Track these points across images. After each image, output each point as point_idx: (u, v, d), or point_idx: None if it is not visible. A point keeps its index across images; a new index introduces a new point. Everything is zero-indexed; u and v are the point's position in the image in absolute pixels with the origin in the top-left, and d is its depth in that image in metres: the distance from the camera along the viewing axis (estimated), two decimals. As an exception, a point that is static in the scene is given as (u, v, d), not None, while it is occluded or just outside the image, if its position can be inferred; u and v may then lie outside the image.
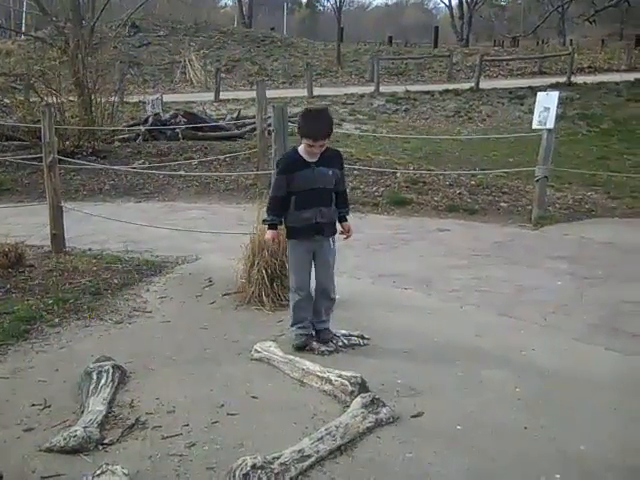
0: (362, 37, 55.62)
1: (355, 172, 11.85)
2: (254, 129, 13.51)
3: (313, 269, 4.86)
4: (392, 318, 5.54)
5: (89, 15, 16.31)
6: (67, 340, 5.02)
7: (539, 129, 9.48)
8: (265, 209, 4.81)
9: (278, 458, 3.23)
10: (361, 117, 20.76)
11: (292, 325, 4.88)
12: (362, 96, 23.04)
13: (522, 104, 21.41)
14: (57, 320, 5.38)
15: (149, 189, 11.97)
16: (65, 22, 15.90)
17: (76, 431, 3.48)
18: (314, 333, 4.89)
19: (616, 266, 7.29)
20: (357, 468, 3.32)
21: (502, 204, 10.59)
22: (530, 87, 21.99)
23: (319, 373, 4.22)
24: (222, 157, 12.73)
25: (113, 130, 14.61)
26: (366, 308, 5.78)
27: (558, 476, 3.27)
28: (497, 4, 61.13)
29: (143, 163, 12.91)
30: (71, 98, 14.20)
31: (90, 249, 7.72)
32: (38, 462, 3.35)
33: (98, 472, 3.11)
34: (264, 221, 4.82)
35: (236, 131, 16.37)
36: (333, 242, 4.82)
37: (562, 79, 23.65)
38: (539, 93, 9.74)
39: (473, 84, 23.65)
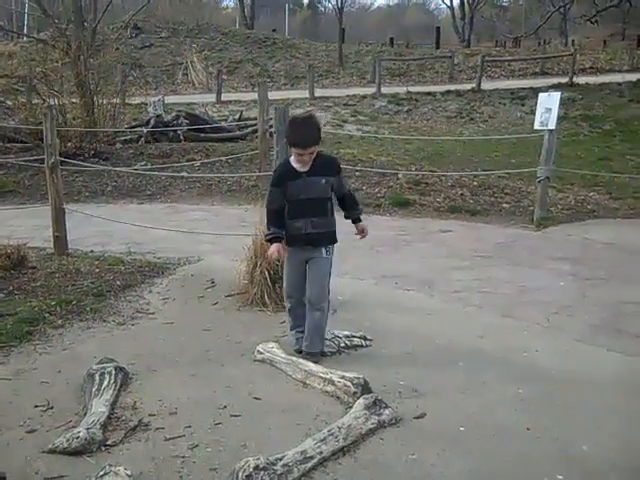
0: (364, 38, 55.56)
1: (357, 173, 11.86)
2: (256, 130, 13.48)
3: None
4: (394, 319, 5.54)
5: (91, 17, 16.33)
6: (70, 342, 5.03)
7: (541, 130, 9.49)
8: (267, 220, 4.74)
9: (281, 459, 3.24)
10: (363, 118, 20.76)
11: (291, 329, 4.87)
12: (364, 97, 23.04)
13: (524, 105, 21.41)
14: (60, 322, 5.38)
15: (151, 190, 11.98)
16: (67, 24, 15.89)
17: (79, 432, 3.48)
18: None
19: (618, 267, 7.29)
20: (360, 469, 3.33)
21: (504, 205, 10.59)
22: (532, 88, 21.98)
23: (322, 374, 4.23)
24: (224, 158, 12.75)
25: (115, 132, 14.63)
26: (368, 309, 5.78)
27: (561, 477, 3.27)
28: (498, 5, 61.12)
29: (145, 164, 12.92)
30: (73, 100, 14.21)
31: (92, 251, 7.73)
32: (41, 463, 3.35)
33: (101, 473, 3.11)
34: (266, 236, 4.71)
35: (238, 132, 16.38)
36: (327, 252, 4.67)
37: (564, 80, 23.65)
38: (541, 94, 9.75)
39: (475, 85, 23.65)
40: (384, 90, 23.74)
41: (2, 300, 5.82)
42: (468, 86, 24.00)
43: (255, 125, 14.23)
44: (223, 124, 16.96)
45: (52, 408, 3.94)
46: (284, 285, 4.85)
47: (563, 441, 3.59)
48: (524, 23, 57.31)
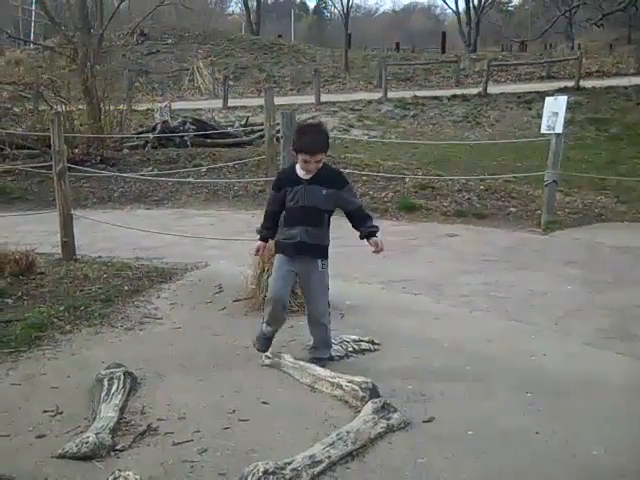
0: (370, 43, 55.60)
1: (364, 178, 11.88)
2: (262, 136, 13.54)
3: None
4: (402, 323, 5.54)
5: (97, 24, 16.44)
6: (78, 347, 5.03)
7: (548, 134, 9.48)
8: (263, 221, 4.75)
9: (290, 464, 3.23)
10: (369, 123, 20.78)
11: (259, 333, 4.73)
12: (370, 102, 23.05)
13: (530, 109, 21.39)
14: (68, 327, 5.39)
15: (158, 196, 12.02)
16: (74, 31, 15.99)
17: (88, 437, 3.49)
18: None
19: (626, 270, 7.27)
20: (368, 473, 3.32)
21: (511, 209, 10.58)
22: (538, 92, 21.96)
23: (330, 379, 4.22)
24: (231, 164, 12.78)
25: (122, 138, 14.68)
26: (376, 314, 5.78)
27: (570, 481, 3.26)
28: (504, 9, 61.10)
29: (152, 170, 12.96)
30: (80, 106, 14.27)
31: (100, 256, 7.75)
32: (51, 469, 3.35)
33: (110, 478, 3.12)
34: (257, 231, 4.79)
35: (244, 138, 16.42)
36: (323, 265, 4.65)
37: (570, 83, 23.60)
38: (547, 98, 9.76)
39: (481, 89, 23.63)
40: (390, 95, 23.75)
41: (11, 306, 5.83)
42: (474, 90, 23.99)
43: (262, 130, 14.29)
44: (230, 130, 16.99)
45: (61, 413, 3.94)
46: (270, 290, 4.65)
47: (572, 445, 3.58)
48: (530, 27, 57.31)
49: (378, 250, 4.74)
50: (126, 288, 6.39)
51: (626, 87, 22.86)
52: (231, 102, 23.72)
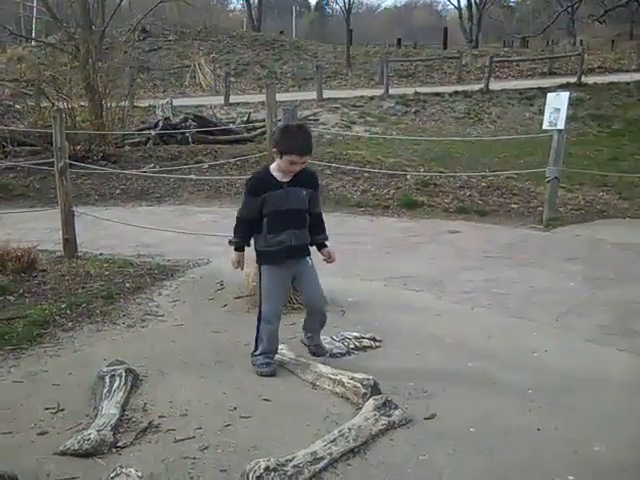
0: (371, 39, 55.57)
1: (366, 175, 11.88)
2: (264, 132, 13.53)
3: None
4: (404, 320, 5.54)
5: (99, 20, 16.43)
6: (80, 344, 5.04)
7: (549, 130, 9.47)
8: (234, 229, 4.54)
9: (291, 460, 3.24)
10: (371, 119, 20.76)
11: (260, 354, 4.52)
12: (372, 98, 23.04)
13: (532, 105, 21.37)
14: (70, 324, 5.39)
15: (160, 193, 12.01)
16: (75, 27, 15.97)
17: (90, 434, 3.49)
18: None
19: (628, 267, 7.27)
20: (370, 470, 3.32)
21: (513, 205, 10.57)
22: (540, 88, 21.92)
23: (331, 375, 4.23)
24: (232, 160, 12.78)
25: (124, 134, 14.68)
26: (378, 310, 5.78)
27: (572, 477, 3.26)
28: (506, 5, 61.00)
29: (154, 167, 12.95)
30: (82, 103, 14.26)
31: (102, 253, 7.75)
32: (52, 465, 3.36)
33: (112, 475, 3.12)
34: (230, 242, 4.57)
35: (246, 134, 16.42)
36: (310, 260, 4.57)
37: (572, 80, 23.58)
38: (549, 94, 9.73)
39: (483, 85, 23.60)
40: (392, 91, 23.72)
41: (13, 303, 5.84)
42: (476, 87, 23.96)
43: (263, 127, 14.26)
44: (231, 126, 17.00)
45: (63, 410, 3.95)
46: (265, 307, 4.49)
47: (574, 441, 3.58)
48: (532, 23, 57.22)
49: (331, 260, 4.66)
50: (128, 285, 6.39)
51: (628, 83, 22.84)
52: (233, 98, 23.71)
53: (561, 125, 9.24)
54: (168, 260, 7.45)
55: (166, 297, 6.16)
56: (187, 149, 14.43)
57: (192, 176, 12.28)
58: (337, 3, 46.99)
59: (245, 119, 18.07)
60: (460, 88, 24.00)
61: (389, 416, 3.72)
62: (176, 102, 19.28)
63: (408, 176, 11.78)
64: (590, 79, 23.73)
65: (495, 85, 23.89)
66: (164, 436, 3.64)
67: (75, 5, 16.38)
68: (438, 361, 4.68)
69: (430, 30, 67.64)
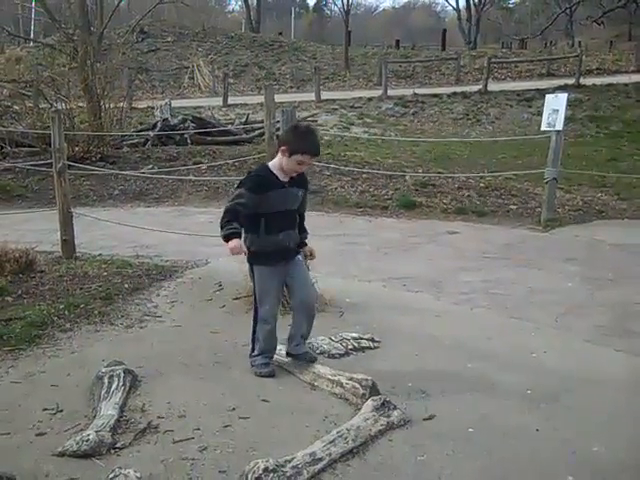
0: (370, 41, 55.57)
1: (364, 175, 11.88)
2: (262, 134, 13.54)
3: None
4: (402, 321, 5.53)
5: (98, 22, 16.41)
6: (78, 345, 5.03)
7: (548, 131, 9.48)
8: (220, 224, 4.20)
9: (290, 461, 3.23)
10: (369, 120, 20.77)
11: (258, 355, 4.48)
12: (370, 99, 23.06)
13: (530, 106, 21.38)
14: (68, 325, 5.38)
15: (158, 194, 12.01)
16: (74, 29, 15.96)
17: (88, 435, 3.49)
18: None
19: (626, 267, 7.27)
20: (369, 471, 3.32)
21: (511, 206, 10.58)
22: (538, 89, 21.96)
23: (330, 376, 4.22)
24: (231, 161, 12.77)
25: (122, 135, 14.67)
26: (376, 311, 5.78)
27: (571, 478, 3.26)
28: (505, 6, 61.02)
29: (152, 168, 12.95)
30: (80, 104, 14.26)
31: (100, 254, 7.74)
32: (51, 466, 3.35)
33: (111, 476, 3.12)
34: (226, 230, 4.16)
35: (244, 135, 16.42)
36: (302, 258, 4.56)
37: (571, 81, 23.60)
38: (547, 95, 9.75)
39: (481, 86, 23.62)
40: (390, 92, 23.74)
41: (11, 304, 5.83)
42: (474, 88, 23.97)
43: (262, 128, 14.26)
44: (230, 127, 17.00)
45: (61, 411, 3.94)
46: (262, 309, 4.41)
47: (573, 442, 3.58)
48: (530, 25, 57.29)
49: (313, 257, 4.63)
50: (126, 286, 6.38)
51: (626, 84, 22.87)
52: (231, 100, 23.73)
53: (559, 126, 9.25)
54: (166, 261, 7.44)
55: (164, 298, 6.16)
56: (185, 150, 14.43)
57: (190, 177, 12.28)
58: (336, 4, 46.95)
59: (243, 120, 18.08)
60: (458, 89, 24.02)
61: (388, 417, 3.72)
62: (174, 103, 19.28)
63: (407, 177, 11.78)
64: (588, 80, 23.76)
65: (493, 86, 23.91)
66: (163, 437, 3.63)
67: (73, 6, 16.39)
68: (437, 362, 4.68)
69: (429, 31, 67.73)
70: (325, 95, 23.76)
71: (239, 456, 3.42)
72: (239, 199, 4.18)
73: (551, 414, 3.89)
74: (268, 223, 4.26)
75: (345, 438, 3.49)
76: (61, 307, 5.68)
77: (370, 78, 29.32)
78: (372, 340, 5.01)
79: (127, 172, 12.21)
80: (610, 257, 7.77)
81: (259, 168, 4.45)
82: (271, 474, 3.10)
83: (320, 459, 3.31)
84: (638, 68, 27.16)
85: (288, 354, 4.57)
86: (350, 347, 4.88)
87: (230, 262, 7.02)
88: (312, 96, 23.54)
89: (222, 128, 16.43)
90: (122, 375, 4.18)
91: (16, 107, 15.19)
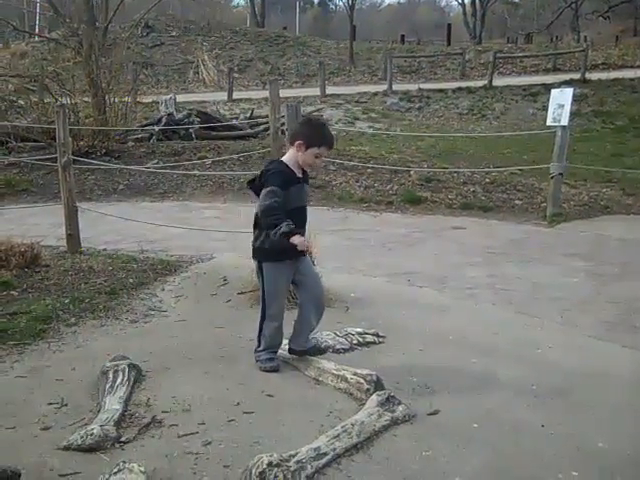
0: (375, 35, 55.53)
1: (369, 170, 11.87)
2: (267, 128, 13.53)
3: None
4: (407, 316, 5.53)
5: (102, 16, 16.36)
6: (83, 339, 5.04)
7: (553, 126, 9.46)
8: (271, 222, 4.04)
9: (294, 456, 3.23)
10: (374, 115, 20.75)
11: (263, 350, 4.45)
12: (375, 94, 23.03)
13: (536, 101, 21.34)
14: (73, 319, 5.39)
15: (163, 189, 12.01)
16: (79, 23, 15.95)
17: (93, 429, 3.49)
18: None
19: (632, 263, 7.26)
20: (373, 466, 3.32)
21: (517, 201, 10.56)
22: (544, 84, 21.90)
23: (334, 371, 4.22)
24: (236, 156, 12.76)
25: (127, 130, 14.66)
26: (381, 306, 5.78)
27: (576, 473, 3.25)
28: (510, 1, 60.86)
29: (157, 163, 12.95)
30: (85, 99, 14.27)
31: (105, 249, 7.75)
32: (56, 460, 3.36)
33: (115, 470, 3.12)
34: (282, 234, 3.99)
35: (249, 130, 16.40)
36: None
37: (576, 76, 23.52)
38: (553, 90, 9.73)
39: (486, 82, 23.58)
40: (395, 87, 23.71)
41: (16, 298, 5.84)
42: (480, 83, 23.93)
43: (266, 123, 14.27)
44: (234, 122, 16.98)
45: (66, 405, 3.95)
46: (271, 306, 4.36)
47: (578, 437, 3.57)
48: (536, 19, 57.13)
49: (310, 252, 4.62)
50: (131, 281, 6.39)
51: (632, 79, 22.79)
52: (236, 94, 23.71)
53: (565, 121, 9.23)
54: (171, 256, 7.44)
55: (169, 292, 6.16)
56: (190, 145, 14.41)
57: (195, 172, 12.28)
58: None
59: (248, 115, 18.07)
60: (464, 84, 23.98)
61: (392, 412, 3.71)
62: (179, 98, 19.25)
63: (412, 172, 11.76)
64: (594, 75, 23.69)
65: (499, 81, 23.86)
66: (167, 431, 3.63)
67: (78, 1, 16.36)
68: (441, 357, 4.67)
69: (434, 26, 67.60)
70: (330, 90, 23.73)
71: (243, 450, 3.41)
72: (275, 197, 4.04)
73: (556, 410, 3.88)
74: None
75: (349, 433, 3.48)
76: (66, 301, 5.69)
77: (375, 73, 29.29)
78: (377, 335, 5.01)
79: (132, 167, 12.20)
80: (615, 252, 7.75)
81: (277, 164, 4.29)
82: (275, 469, 3.10)
83: (324, 454, 3.31)
84: (644, 63, 27.07)
85: (293, 351, 4.52)
86: (355, 342, 4.88)
87: (235, 257, 7.05)
88: (317, 91, 23.51)
89: (227, 123, 16.42)
90: (127, 369, 4.19)
91: (21, 102, 15.19)
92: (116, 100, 14.31)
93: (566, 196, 10.44)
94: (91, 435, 3.45)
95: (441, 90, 23.23)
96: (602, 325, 5.38)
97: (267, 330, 4.43)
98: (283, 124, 6.40)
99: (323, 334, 4.86)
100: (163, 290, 6.23)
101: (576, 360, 4.64)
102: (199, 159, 13.09)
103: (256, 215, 4.28)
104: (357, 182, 11.63)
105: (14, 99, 15.53)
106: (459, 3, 56.69)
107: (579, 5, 42.86)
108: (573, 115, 11.19)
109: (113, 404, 3.82)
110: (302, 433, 3.58)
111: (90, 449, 3.41)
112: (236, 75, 27.32)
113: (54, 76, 14.69)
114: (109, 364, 4.26)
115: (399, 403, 3.79)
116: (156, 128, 15.23)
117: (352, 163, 11.97)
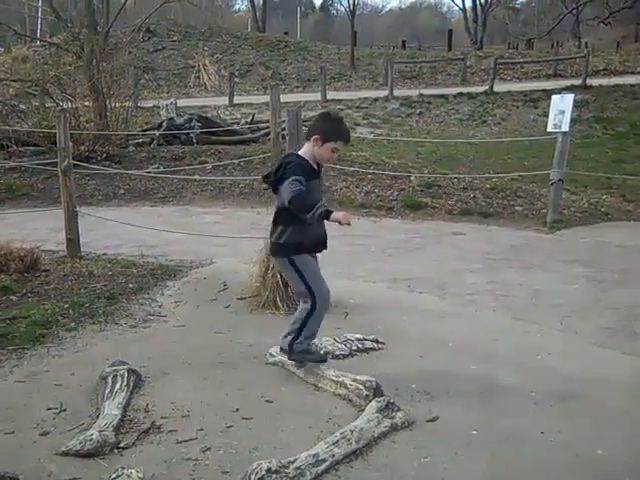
0: (376, 41, 55.61)
1: (369, 176, 11.86)
2: (268, 133, 13.53)
3: None
4: (407, 322, 5.53)
5: (104, 21, 16.38)
6: (83, 344, 5.04)
7: (554, 132, 9.46)
8: (305, 207, 3.93)
9: (293, 462, 3.23)
10: (375, 121, 20.76)
11: (305, 338, 4.35)
12: (376, 100, 23.05)
13: (537, 107, 21.35)
14: (73, 324, 5.39)
15: (163, 193, 12.01)
16: (80, 28, 15.97)
17: (92, 435, 3.49)
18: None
19: (632, 270, 7.25)
20: (372, 472, 3.31)
21: (517, 208, 10.56)
22: (545, 90, 21.92)
23: (334, 377, 4.22)
24: (236, 161, 12.76)
25: (127, 135, 14.66)
26: (381, 312, 5.77)
27: (575, 481, 3.25)
28: (511, 7, 60.93)
29: (157, 167, 12.95)
30: (86, 103, 14.26)
31: (105, 254, 7.75)
32: (54, 466, 3.36)
33: (114, 476, 3.12)
34: (321, 213, 3.89)
35: (250, 135, 16.40)
36: None
37: (577, 82, 23.55)
38: (554, 96, 9.72)
39: (487, 87, 23.60)
40: (396, 93, 23.72)
41: (15, 303, 5.84)
42: (481, 88, 23.95)
43: (267, 128, 14.26)
44: (235, 127, 16.99)
45: (65, 410, 3.94)
46: (320, 291, 4.25)
47: (577, 445, 3.57)
48: (537, 25, 57.20)
49: None
50: (131, 285, 6.39)
51: (633, 85, 22.82)
52: (237, 99, 23.74)
53: (565, 127, 9.23)
54: (171, 260, 7.44)
55: (169, 297, 6.16)
56: (191, 150, 14.41)
57: (196, 177, 12.28)
58: (342, 4, 46.95)
59: (249, 120, 18.07)
60: (464, 90, 23.99)
61: (392, 418, 3.71)
62: (180, 103, 19.28)
63: (412, 177, 11.76)
64: (595, 81, 23.71)
65: (500, 87, 23.87)
66: (166, 437, 3.63)
67: (80, 5, 16.39)
68: (441, 363, 4.67)
69: (435, 32, 67.77)
70: (331, 95, 23.75)
71: (242, 457, 3.41)
72: (301, 185, 3.97)
73: (555, 417, 3.88)
74: None
75: (348, 439, 3.48)
76: (65, 306, 5.69)
77: (376, 78, 29.30)
78: (376, 341, 5.00)
79: (132, 171, 12.21)
80: (616, 259, 7.74)
81: (296, 157, 4.23)
82: (274, 475, 3.10)
83: (323, 460, 3.31)
84: (645, 69, 27.11)
85: (283, 349, 4.48)
86: (354, 348, 4.87)
87: (235, 262, 7.05)
88: (318, 96, 23.53)
89: (228, 128, 16.42)
90: (126, 375, 4.19)
91: (22, 106, 15.19)
92: (117, 105, 14.31)
93: (566, 202, 10.44)
94: (90, 440, 3.45)
95: (442, 96, 23.24)
96: (602, 332, 5.37)
97: (317, 318, 4.30)
98: (284, 129, 6.40)
99: (322, 340, 4.85)
100: (163, 295, 6.23)
101: (576, 367, 4.63)
102: (200, 164, 13.09)
103: (277, 211, 4.24)
104: (357, 187, 11.63)
105: (15, 103, 15.53)
106: (460, 9, 56.80)
107: (580, 11, 42.91)
108: (574, 121, 11.21)
109: (112, 409, 3.82)
110: (301, 439, 3.58)
111: (89, 454, 3.41)
112: (237, 80, 27.35)
113: (55, 80, 14.67)
114: (108, 369, 4.26)
115: (398, 409, 3.78)
116: (157, 133, 15.24)
117: (352, 168, 11.97)
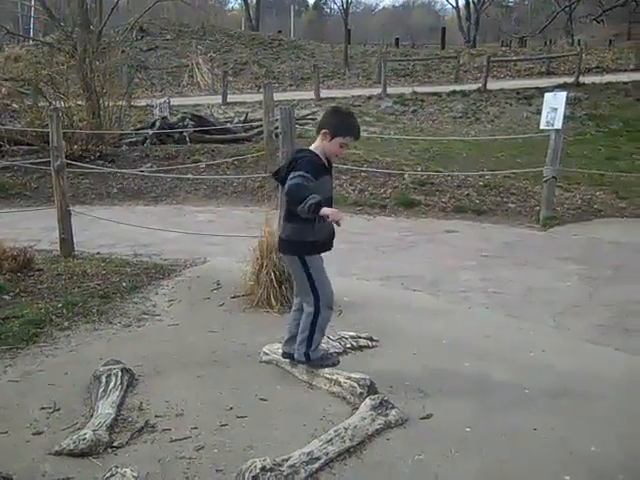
0: (369, 39, 55.64)
1: (363, 174, 11.86)
2: (261, 132, 13.53)
3: None
4: (401, 320, 5.53)
5: (97, 20, 16.35)
6: (76, 343, 5.03)
7: (547, 130, 9.48)
8: (298, 198, 3.85)
9: (287, 460, 3.23)
10: (368, 119, 20.73)
11: (315, 348, 4.28)
12: (369, 98, 23.02)
13: (530, 105, 21.33)
14: (66, 324, 5.38)
15: (157, 192, 12.00)
16: (73, 27, 15.93)
17: (85, 434, 3.49)
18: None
19: (625, 266, 7.27)
20: (366, 470, 3.32)
21: (510, 205, 10.57)
22: (538, 88, 21.90)
23: (328, 375, 4.22)
24: (230, 160, 12.75)
25: (121, 134, 14.65)
26: (374, 310, 5.78)
27: (568, 478, 3.26)
28: (504, 5, 61.00)
29: (151, 166, 12.94)
30: (79, 102, 14.24)
31: (99, 253, 7.74)
32: (48, 465, 3.35)
33: (107, 475, 3.12)
34: (311, 205, 3.78)
35: (243, 134, 16.38)
36: None
37: (570, 79, 23.56)
38: (547, 94, 9.74)
39: (480, 85, 23.57)
40: (390, 91, 23.69)
41: (9, 302, 5.83)
42: (474, 86, 23.93)
43: (261, 126, 14.25)
44: (229, 126, 16.97)
45: (59, 410, 3.94)
46: (325, 294, 4.27)
47: (571, 442, 3.58)
48: (530, 23, 57.21)
49: None
50: (124, 284, 6.38)
51: (626, 83, 22.82)
52: (230, 98, 23.69)
53: (558, 125, 9.24)
54: (165, 259, 7.44)
55: (163, 296, 6.16)
56: (184, 148, 14.40)
57: (189, 175, 12.28)
58: (335, 2, 46.96)
59: (243, 118, 18.04)
60: (458, 88, 23.96)
61: (385, 416, 3.71)
62: (174, 101, 19.24)
63: (405, 175, 11.77)
64: (588, 79, 23.71)
65: (493, 85, 23.86)
66: (160, 436, 3.63)
67: (72, 4, 16.35)
68: (435, 361, 4.67)
69: (428, 30, 67.78)
70: (324, 93, 23.72)
71: (236, 455, 3.41)
72: (304, 180, 3.89)
73: (549, 413, 3.88)
74: None
75: (342, 437, 3.49)
76: (59, 305, 5.68)
77: (369, 76, 29.28)
78: (370, 339, 5.00)
79: (126, 170, 12.20)
80: (609, 256, 7.76)
81: (308, 152, 4.14)
82: (268, 473, 3.10)
83: (317, 458, 3.31)
84: (637, 66, 27.14)
85: (287, 355, 4.48)
86: (348, 346, 4.88)
87: (228, 261, 7.05)
88: (311, 94, 23.50)
89: (221, 126, 16.41)
90: (120, 374, 4.18)
91: (15, 105, 15.17)
92: (110, 104, 14.29)
93: (559, 199, 10.46)
94: (83, 440, 3.45)
95: (435, 93, 23.22)
96: (595, 328, 5.39)
97: (323, 322, 4.29)
98: (277, 127, 6.41)
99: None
100: (157, 294, 6.22)
101: (569, 363, 4.64)
102: (193, 163, 13.08)
103: (287, 209, 4.19)
104: (351, 185, 11.63)
105: (8, 103, 15.51)
106: (453, 7, 56.87)
107: (573, 9, 42.92)
108: (567, 119, 11.21)
109: (106, 409, 3.81)
110: (295, 437, 3.58)
111: (82, 454, 3.41)
112: (230, 78, 27.30)
113: (48, 80, 14.64)
114: (102, 368, 4.26)
115: (392, 407, 3.79)
116: (150, 132, 15.22)
117: (346, 166, 11.96)
